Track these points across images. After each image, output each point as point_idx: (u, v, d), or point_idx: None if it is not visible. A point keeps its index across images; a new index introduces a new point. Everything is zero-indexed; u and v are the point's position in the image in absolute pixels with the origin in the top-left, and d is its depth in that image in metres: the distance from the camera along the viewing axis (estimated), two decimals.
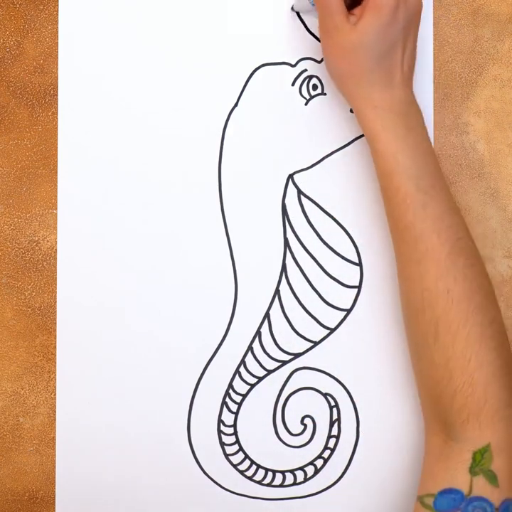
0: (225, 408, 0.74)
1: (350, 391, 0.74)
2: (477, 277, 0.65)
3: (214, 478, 0.74)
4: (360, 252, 0.74)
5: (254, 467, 0.74)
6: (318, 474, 0.74)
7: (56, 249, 0.73)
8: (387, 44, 0.65)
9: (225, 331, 0.74)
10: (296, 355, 0.74)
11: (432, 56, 0.74)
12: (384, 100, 0.66)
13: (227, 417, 0.74)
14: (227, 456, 0.74)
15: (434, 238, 0.65)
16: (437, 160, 0.68)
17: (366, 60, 0.66)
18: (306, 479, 0.74)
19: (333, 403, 0.74)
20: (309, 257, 0.74)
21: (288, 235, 0.74)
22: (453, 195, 0.74)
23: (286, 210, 0.74)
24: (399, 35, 0.66)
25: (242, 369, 0.74)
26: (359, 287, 0.74)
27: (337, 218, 0.74)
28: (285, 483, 0.74)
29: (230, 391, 0.74)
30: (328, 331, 0.74)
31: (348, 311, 0.74)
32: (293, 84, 0.74)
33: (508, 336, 0.66)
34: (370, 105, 0.67)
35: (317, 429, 0.74)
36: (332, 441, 0.74)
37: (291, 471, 0.74)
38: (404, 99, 0.67)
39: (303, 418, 0.74)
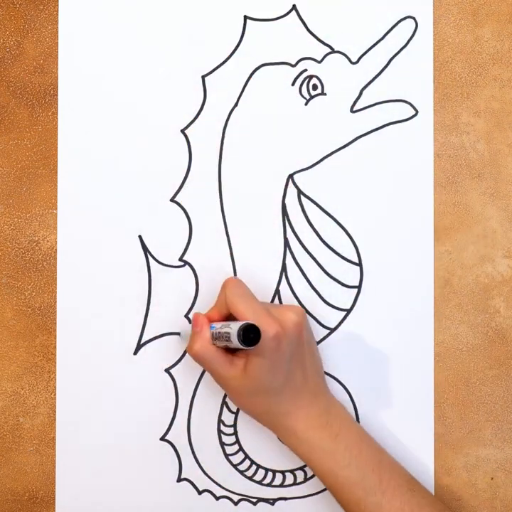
0: (225, 408, 0.74)
1: (350, 391, 0.74)
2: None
3: (214, 478, 0.74)
4: (360, 252, 0.74)
5: (254, 467, 0.74)
6: None
7: (56, 249, 0.73)
8: (283, 375, 0.66)
9: None
10: None
11: (432, 56, 0.74)
12: (299, 424, 0.67)
13: (227, 417, 0.74)
14: (227, 456, 0.74)
15: None
16: (376, 445, 0.69)
17: (268, 397, 0.67)
18: (306, 479, 0.74)
19: None
20: (309, 257, 0.74)
21: (288, 235, 0.74)
22: (453, 195, 0.74)
23: (286, 210, 0.74)
24: (291, 363, 0.66)
25: None
26: (359, 287, 0.74)
27: (337, 218, 0.74)
28: (285, 483, 0.74)
29: None
30: (328, 331, 0.74)
31: (348, 311, 0.74)
32: (293, 84, 0.74)
33: None
34: (290, 433, 0.68)
35: None
36: None
37: (291, 471, 0.74)
38: (319, 413, 0.68)
39: None
